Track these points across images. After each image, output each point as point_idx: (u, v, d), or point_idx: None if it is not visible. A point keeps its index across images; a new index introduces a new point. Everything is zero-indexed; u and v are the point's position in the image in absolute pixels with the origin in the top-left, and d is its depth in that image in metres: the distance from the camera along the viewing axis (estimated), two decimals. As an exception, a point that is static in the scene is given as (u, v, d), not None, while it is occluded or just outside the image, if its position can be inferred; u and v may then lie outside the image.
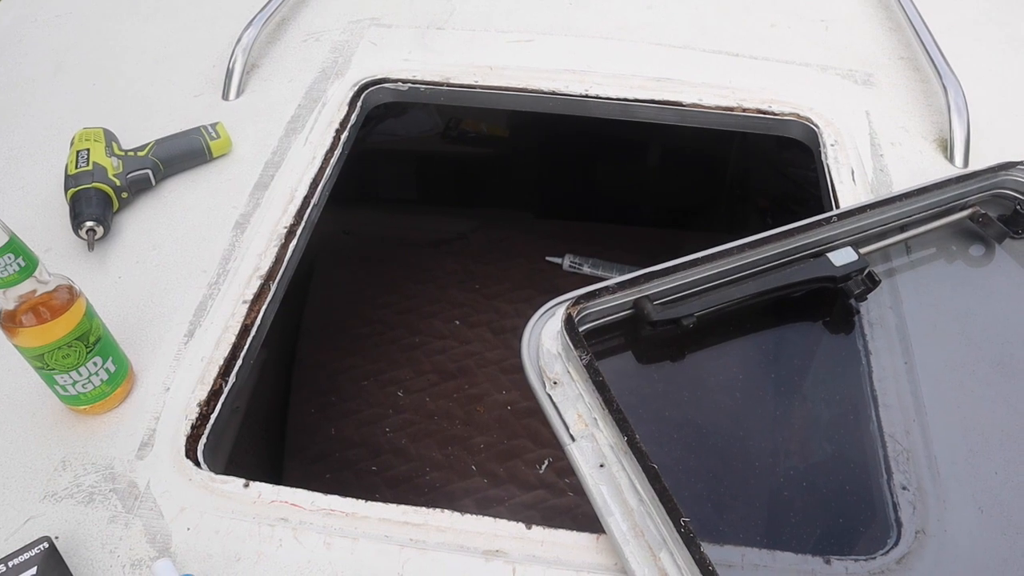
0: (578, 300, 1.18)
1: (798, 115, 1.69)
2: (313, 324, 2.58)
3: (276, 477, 2.20)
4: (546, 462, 2.23)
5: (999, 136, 1.64)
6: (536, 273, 2.74)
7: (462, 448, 2.28)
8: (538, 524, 1.08)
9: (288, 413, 2.35)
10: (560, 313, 1.19)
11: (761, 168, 2.29)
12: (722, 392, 1.23)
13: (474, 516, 1.09)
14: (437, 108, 2.98)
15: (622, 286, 1.20)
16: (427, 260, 2.81)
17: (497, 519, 1.09)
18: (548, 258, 2.79)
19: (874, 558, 1.05)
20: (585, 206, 3.07)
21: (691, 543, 0.95)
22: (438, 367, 2.48)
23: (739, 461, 1.17)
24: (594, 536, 1.07)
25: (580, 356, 1.11)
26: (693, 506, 1.11)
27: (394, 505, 1.11)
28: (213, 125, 1.60)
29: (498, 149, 3.02)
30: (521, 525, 1.08)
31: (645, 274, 1.22)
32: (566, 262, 2.77)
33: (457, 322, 2.60)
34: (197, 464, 1.16)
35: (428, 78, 1.79)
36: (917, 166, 1.57)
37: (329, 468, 2.22)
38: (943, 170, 1.57)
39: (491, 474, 2.21)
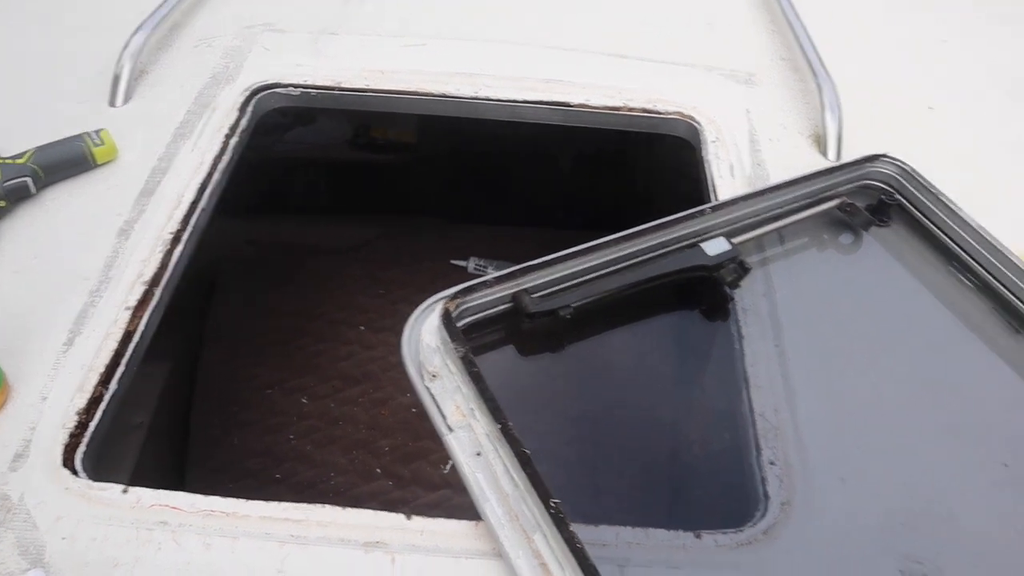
0: (456, 295, 1.20)
1: (681, 113, 1.74)
2: (217, 336, 2.55)
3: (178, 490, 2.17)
4: (450, 462, 2.24)
5: (869, 132, 1.72)
6: (441, 277, 2.75)
7: (367, 452, 2.28)
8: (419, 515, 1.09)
9: (191, 425, 2.32)
10: (439, 309, 1.20)
11: (663, 170, 2.34)
12: (601, 379, 1.27)
13: (355, 510, 1.10)
14: (346, 116, 2.98)
15: (500, 280, 1.23)
16: (333, 267, 2.81)
17: (378, 512, 1.10)
18: (453, 261, 2.81)
19: (742, 530, 1.09)
20: (493, 210, 3.10)
21: (560, 523, 0.97)
22: (343, 373, 2.47)
23: (616, 445, 1.20)
24: (473, 523, 1.08)
25: (456, 349, 1.13)
26: (569, 490, 1.13)
27: (275, 502, 1.11)
28: (97, 131, 1.57)
29: (406, 155, 3.03)
30: (401, 516, 1.10)
31: (523, 268, 1.25)
32: (471, 265, 2.79)
33: (362, 328, 2.60)
34: (75, 473, 1.14)
35: (320, 82, 1.80)
36: (793, 160, 1.64)
37: (232, 478, 2.20)
38: (817, 164, 1.63)
39: (396, 476, 2.21)
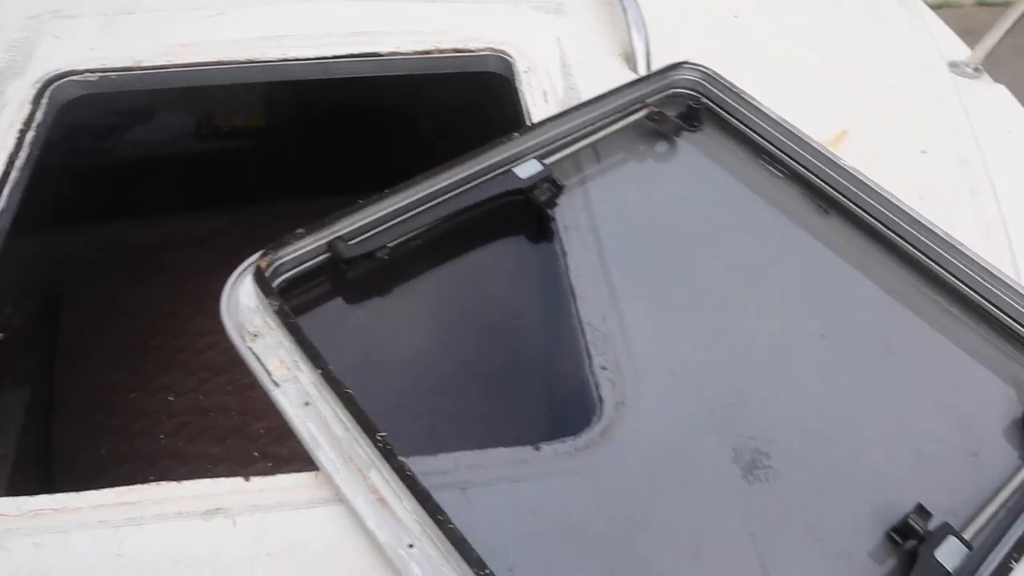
0: (266, 251, 1.18)
1: (493, 49, 1.74)
2: (72, 349, 2.45)
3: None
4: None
5: (676, 44, 1.75)
6: (296, 253, 2.70)
7: (242, 437, 2.24)
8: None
9: (55, 443, 2.22)
10: (252, 268, 1.18)
11: (485, 108, 2.34)
12: (430, 314, 1.27)
13: (191, 481, 1.08)
14: (188, 109, 2.88)
15: (312, 230, 1.21)
16: (185, 261, 2.72)
17: (215, 479, 1.08)
18: (306, 235, 2.75)
19: (580, 436, 1.12)
20: (349, 181, 3.04)
21: (389, 455, 0.97)
22: (207, 364, 2.41)
23: (452, 375, 1.20)
24: (312, 474, 1.07)
25: (271, 304, 1.12)
26: (407, 425, 1.14)
27: (107, 489, 1.07)
28: None
29: (256, 140, 2.94)
30: (239, 479, 1.08)
31: (335, 215, 1.23)
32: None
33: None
34: None
35: (119, 64, 1.72)
36: (604, 80, 1.65)
37: (105, 487, 2.12)
38: (627, 80, 1.65)
39: (275, 456, 2.18)
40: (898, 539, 1.07)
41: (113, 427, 2.26)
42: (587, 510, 1.05)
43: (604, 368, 1.18)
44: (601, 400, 1.15)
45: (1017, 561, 0.98)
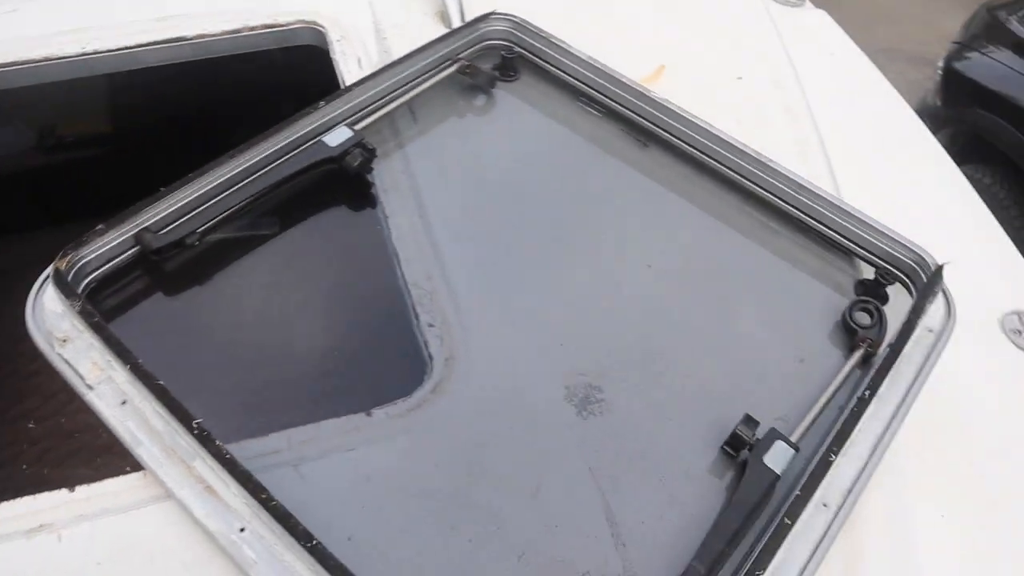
0: (65, 252, 1.12)
1: (304, 21, 1.70)
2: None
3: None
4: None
5: (490, 3, 1.74)
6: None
7: (113, 455, 2.15)
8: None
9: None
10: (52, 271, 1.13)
11: (305, 83, 2.29)
12: (252, 296, 1.24)
13: (11, 501, 1.03)
14: (22, 120, 2.72)
15: (113, 224, 1.16)
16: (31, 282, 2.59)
17: (37, 495, 1.03)
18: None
19: (411, 396, 1.11)
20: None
21: (206, 441, 0.95)
22: (67, 384, 2.30)
23: (279, 354, 1.18)
24: (139, 474, 1.04)
25: (73, 305, 1.07)
26: (234, 408, 1.11)
27: (-81, 524, 1.01)
28: None
29: (108, 145, 2.80)
30: (64, 491, 1.04)
31: (137, 205, 1.19)
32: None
33: (72, 332, 2.43)
34: None
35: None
36: (419, 41, 1.63)
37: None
38: (441, 37, 1.64)
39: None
40: (731, 451, 1.10)
41: (-32, 463, 2.15)
42: (424, 468, 1.05)
43: (431, 325, 1.18)
44: (431, 357, 1.15)
45: (836, 454, 1.02)
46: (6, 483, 2.12)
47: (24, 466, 2.14)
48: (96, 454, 2.17)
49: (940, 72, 3.56)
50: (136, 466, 1.05)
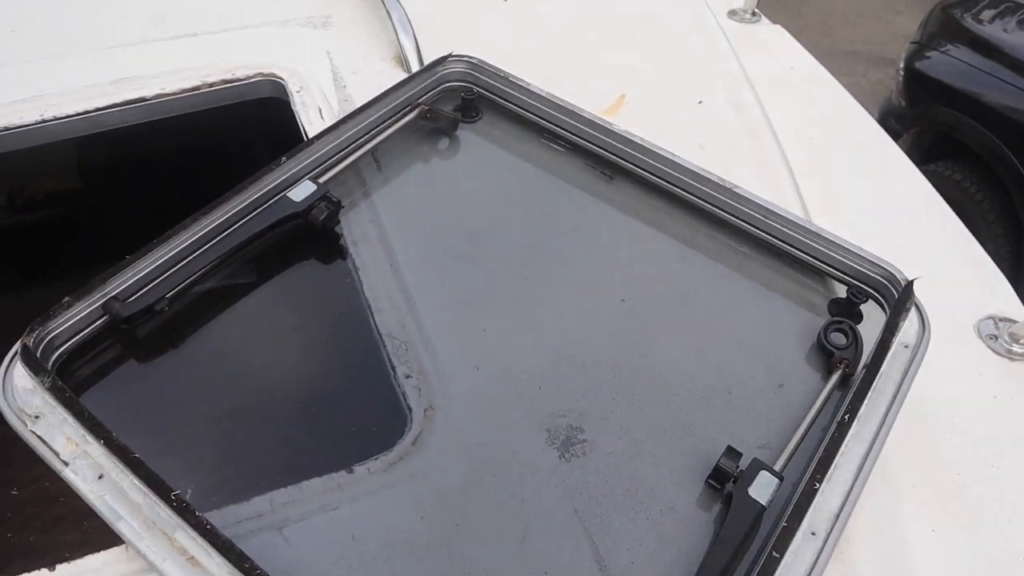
0: (32, 327, 1.11)
1: (263, 73, 1.70)
2: None
3: None
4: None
5: (447, 40, 1.75)
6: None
7: (100, 516, 2.12)
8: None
9: None
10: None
11: (268, 135, 2.29)
12: (225, 359, 1.23)
13: (-7, 582, 1.01)
14: None
15: (80, 296, 1.15)
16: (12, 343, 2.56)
17: (16, 575, 1.01)
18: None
19: (392, 449, 1.10)
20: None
21: (185, 512, 0.94)
22: (46, 451, 2.28)
23: (255, 417, 1.17)
24: (121, 547, 1.03)
25: (43, 381, 1.05)
26: (213, 476, 1.10)
27: None
28: None
29: (77, 203, 2.79)
30: (44, 570, 1.02)
31: (103, 275, 1.17)
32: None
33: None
34: None
35: None
36: (379, 87, 1.63)
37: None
38: (401, 82, 1.64)
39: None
40: (716, 484, 1.10)
41: (-48, 536, 2.12)
42: (409, 521, 1.04)
43: (408, 376, 1.17)
44: (410, 409, 1.14)
45: (820, 481, 1.02)
46: (-8, 553, 2.09)
47: (9, 534, 2.11)
48: (83, 516, 2.13)
49: (901, 72, 3.60)
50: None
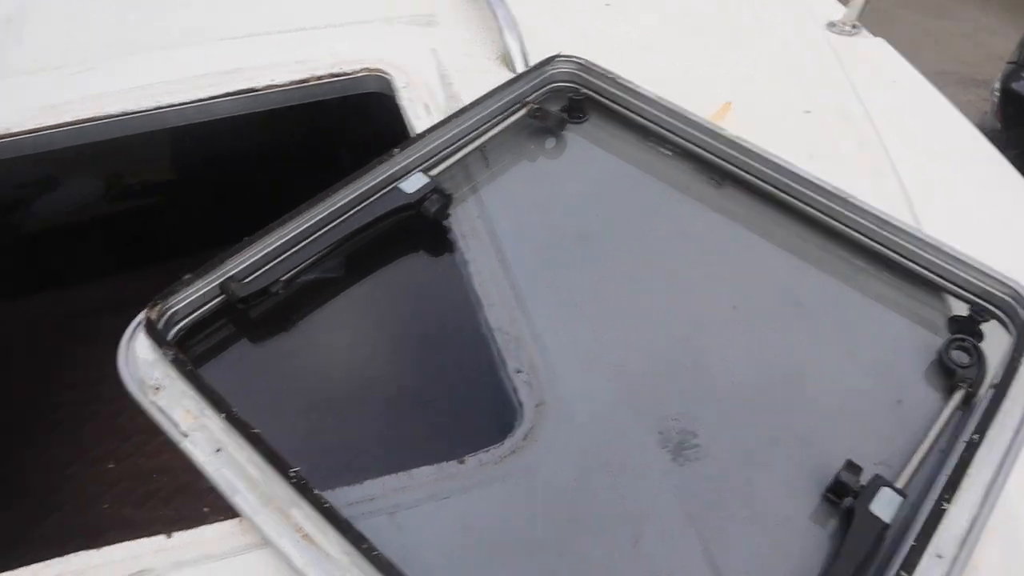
0: (155, 302, 1.13)
1: (369, 69, 1.72)
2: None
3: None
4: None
5: (553, 39, 1.75)
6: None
7: (189, 495, 2.18)
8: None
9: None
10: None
11: (372, 129, 2.32)
12: (337, 342, 1.24)
13: (111, 546, 1.03)
14: (92, 171, 2.78)
15: (200, 275, 1.17)
16: (110, 327, 2.62)
17: (135, 540, 1.03)
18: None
19: (503, 443, 1.09)
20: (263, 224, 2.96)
21: (304, 490, 0.94)
22: (144, 427, 2.32)
23: (368, 400, 1.18)
24: (235, 520, 1.04)
25: (166, 354, 1.07)
26: (327, 456, 1.11)
27: (23, 568, 1.02)
28: None
29: (172, 193, 2.86)
30: (161, 537, 1.04)
31: (221, 255, 1.19)
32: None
33: (153, 376, 2.47)
34: None
35: (-14, 135, 1.65)
36: (484, 85, 1.64)
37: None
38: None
39: (226, 511, 2.11)
40: (834, 498, 1.07)
41: (53, 505, 2.19)
42: (520, 515, 1.03)
43: (519, 371, 1.17)
44: (520, 404, 1.13)
45: (948, 502, 0.99)
46: (86, 525, 2.15)
47: (105, 506, 2.17)
48: (173, 495, 2.20)
49: (997, 93, 3.50)
50: (218, 511, 1.04)
